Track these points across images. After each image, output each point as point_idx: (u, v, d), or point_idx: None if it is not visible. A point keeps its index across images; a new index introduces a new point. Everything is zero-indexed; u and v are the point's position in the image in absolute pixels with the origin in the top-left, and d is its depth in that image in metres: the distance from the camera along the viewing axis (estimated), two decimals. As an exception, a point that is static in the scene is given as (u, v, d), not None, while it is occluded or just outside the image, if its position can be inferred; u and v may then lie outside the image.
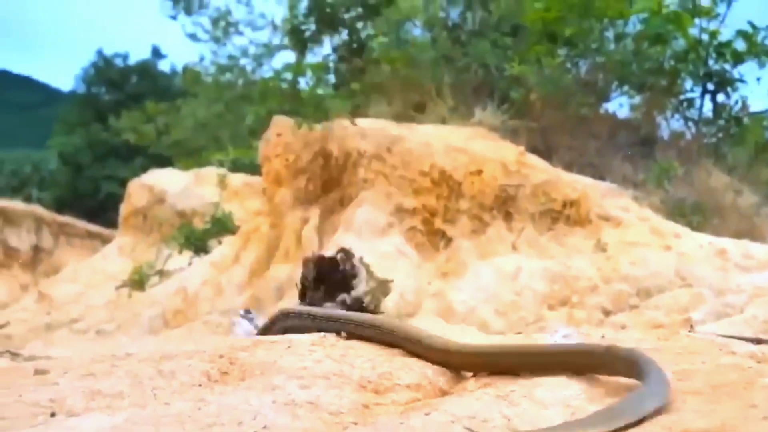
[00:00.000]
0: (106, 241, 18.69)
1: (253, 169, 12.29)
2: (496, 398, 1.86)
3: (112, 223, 19.77)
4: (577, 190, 8.38)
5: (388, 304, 6.76)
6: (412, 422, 1.71)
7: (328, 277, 3.75)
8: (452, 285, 7.51)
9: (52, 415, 1.86)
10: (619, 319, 7.17)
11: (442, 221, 7.96)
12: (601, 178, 10.17)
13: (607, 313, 7.33)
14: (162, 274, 11.52)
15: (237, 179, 14.03)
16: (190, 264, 11.32)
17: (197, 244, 11.51)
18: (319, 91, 10.09)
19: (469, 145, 8.58)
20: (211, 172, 14.56)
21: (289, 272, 7.79)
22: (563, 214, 8.17)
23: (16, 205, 20.24)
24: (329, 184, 8.57)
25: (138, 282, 11.02)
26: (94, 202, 26.79)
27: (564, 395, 1.86)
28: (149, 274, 11.28)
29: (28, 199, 25.03)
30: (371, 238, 7.59)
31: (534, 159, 8.89)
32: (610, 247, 7.87)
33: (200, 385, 2.11)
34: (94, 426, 1.76)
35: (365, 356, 2.31)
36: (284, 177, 8.88)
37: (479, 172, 8.21)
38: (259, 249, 9.03)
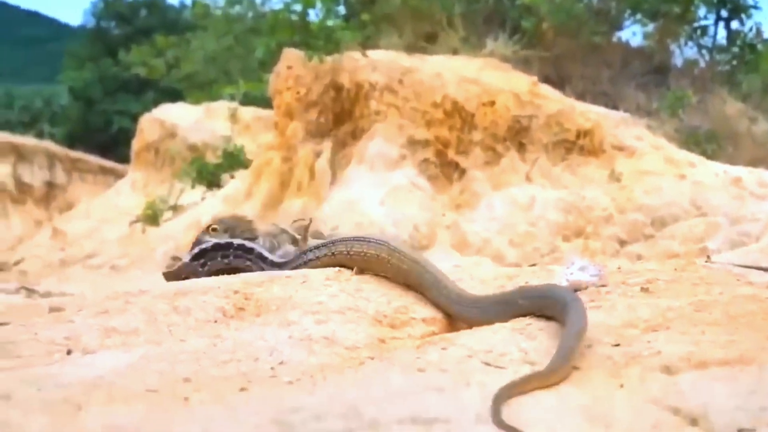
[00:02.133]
0: (118, 176, 18.68)
1: (264, 102, 12.23)
2: (512, 332, 1.85)
3: (124, 158, 19.77)
4: (590, 119, 8.33)
5: (404, 236, 6.76)
6: (429, 357, 1.70)
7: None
8: (466, 216, 7.49)
9: (68, 352, 1.86)
10: (635, 249, 7.17)
11: (455, 153, 7.92)
12: (615, 107, 10.11)
13: (622, 243, 7.32)
14: (175, 209, 11.52)
15: (248, 113, 13.98)
16: (202, 199, 11.33)
17: (209, 178, 11.50)
18: (329, 23, 9.99)
19: (481, 75, 8.52)
20: (222, 106, 14.52)
21: (302, 206, 7.79)
22: (577, 145, 8.13)
23: (28, 140, 20.23)
24: (341, 116, 8.52)
25: (151, 217, 11.02)
26: (105, 137, 26.76)
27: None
28: (162, 209, 11.28)
29: (39, 135, 25.01)
30: (384, 170, 7.56)
31: (547, 89, 8.83)
32: (625, 176, 7.83)
33: (215, 321, 2.10)
34: (110, 363, 1.75)
35: (380, 291, 2.30)
36: (296, 110, 8.83)
37: (492, 103, 8.16)
38: (271, 183, 9.01)
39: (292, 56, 9.03)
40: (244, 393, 1.52)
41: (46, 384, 1.60)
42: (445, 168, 7.89)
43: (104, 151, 23.01)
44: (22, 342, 1.91)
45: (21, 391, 1.54)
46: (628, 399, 1.39)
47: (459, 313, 2.18)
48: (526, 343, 1.77)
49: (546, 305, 1.92)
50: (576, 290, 2.20)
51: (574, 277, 2.26)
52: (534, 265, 6.49)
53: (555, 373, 1.50)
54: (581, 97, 9.77)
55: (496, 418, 1.29)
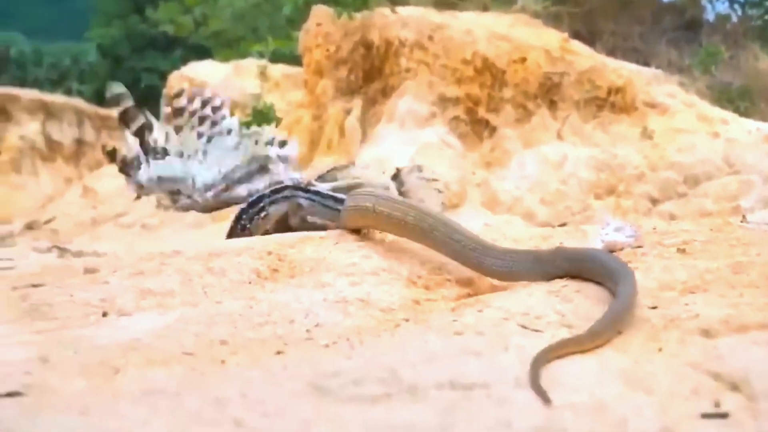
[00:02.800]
0: (147, 133, 18.66)
1: (293, 60, 12.21)
2: (548, 294, 1.83)
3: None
4: (622, 76, 8.27)
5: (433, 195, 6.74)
6: (466, 319, 1.69)
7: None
8: (497, 174, 7.48)
9: (104, 314, 1.86)
10: (667, 208, 7.14)
11: (485, 110, 7.89)
12: (646, 63, 10.03)
13: (654, 201, 7.29)
14: (205, 167, 11.48)
15: (277, 70, 13.94)
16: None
17: (239, 136, 11.47)
18: (358, -21, 9.94)
19: (511, 32, 8.46)
20: (250, 64, 14.47)
21: (332, 163, 7.80)
22: (608, 102, 8.08)
23: (57, 98, 20.25)
24: (371, 73, 8.50)
25: (181, 175, 11.00)
26: (134, 94, 26.56)
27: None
28: (192, 167, 11.26)
29: (68, 92, 25.06)
30: (414, 128, 7.55)
31: (578, 45, 8.77)
32: (657, 134, 7.79)
33: (250, 283, 2.10)
34: (146, 325, 1.76)
35: (413, 252, 2.29)
36: (325, 67, 8.81)
37: (523, 59, 8.11)
38: (301, 141, 9.01)
39: (321, 13, 9.00)
40: (280, 356, 1.52)
41: (82, 346, 1.60)
42: (475, 126, 7.86)
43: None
44: (58, 304, 1.91)
45: (58, 353, 1.55)
46: (667, 363, 1.38)
47: (482, 264, 2.11)
48: (562, 305, 1.75)
49: (587, 269, 1.90)
50: (611, 251, 2.18)
51: (610, 237, 2.23)
52: (564, 224, 6.48)
53: (596, 337, 1.48)
54: (612, 53, 9.69)
55: (534, 383, 1.28)
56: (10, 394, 1.28)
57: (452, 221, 2.21)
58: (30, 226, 11.19)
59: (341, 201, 2.65)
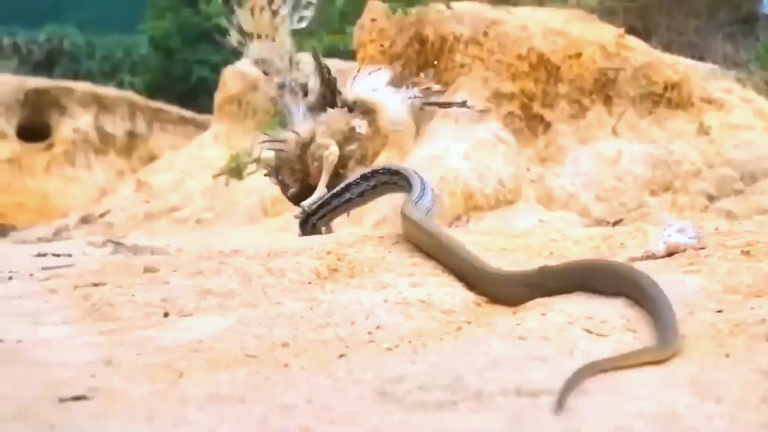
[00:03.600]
0: (198, 126, 18.75)
1: (347, 55, 12.20)
2: (610, 297, 1.81)
3: (203, 108, 19.83)
4: (678, 72, 8.18)
5: (487, 191, 6.71)
6: (529, 323, 1.67)
7: None
8: (551, 171, 7.43)
9: (165, 315, 1.87)
10: (724, 205, 7.06)
11: (540, 106, 7.83)
12: (701, 58, 9.94)
13: (711, 198, 7.21)
14: (259, 161, 11.54)
15: (330, 65, 13.94)
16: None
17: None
18: (412, -26, 9.92)
19: (567, 27, 8.40)
20: (304, 58, 14.50)
21: (386, 159, 7.78)
22: (664, 97, 8.00)
23: (109, 91, 20.40)
24: (425, 68, 8.47)
25: (235, 170, 11.05)
26: (185, 87, 26.85)
27: (682, 292, 1.80)
28: (246, 162, 11.31)
29: (120, 85, 25.23)
30: (468, 123, 7.51)
31: (633, 40, 8.69)
32: (714, 130, 7.70)
33: (310, 283, 2.10)
34: (207, 327, 1.76)
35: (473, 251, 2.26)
36: (379, 63, 8.79)
37: (578, 55, 8.05)
38: (354, 136, 9.00)
39: (375, 8, 8.98)
40: (343, 359, 1.51)
41: (145, 348, 1.61)
42: (530, 121, 7.81)
43: (184, 101, 23.10)
44: (119, 304, 1.92)
45: (121, 355, 1.56)
46: (735, 370, 1.35)
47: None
48: (626, 309, 1.74)
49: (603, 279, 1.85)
50: (673, 253, 2.16)
51: (672, 239, 2.20)
52: (620, 220, 6.43)
53: (666, 350, 1.45)
54: (667, 48, 9.60)
55: (567, 388, 1.26)
56: (76, 398, 1.28)
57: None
58: (85, 220, 11.28)
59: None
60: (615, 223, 6.12)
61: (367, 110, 3.47)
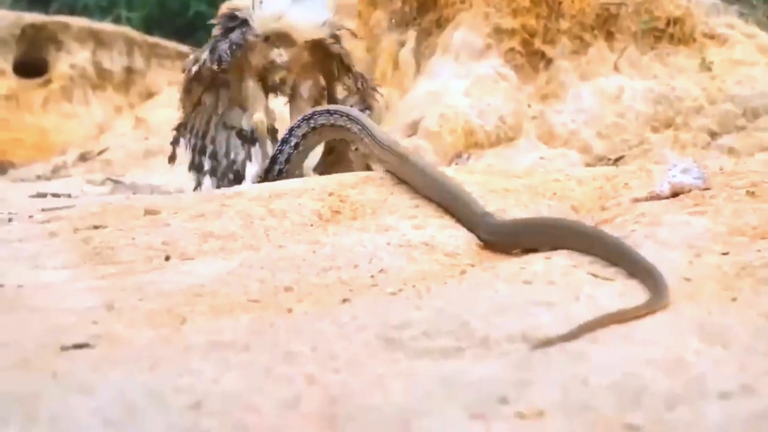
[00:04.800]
0: (197, 61, 18.66)
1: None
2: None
3: (201, 43, 19.69)
4: (680, 7, 8.11)
5: (488, 128, 6.68)
6: (534, 267, 1.66)
7: None
8: (553, 107, 7.38)
9: (167, 258, 1.86)
10: (726, 142, 7.03)
11: (541, 42, 7.76)
12: (704, -7, 9.86)
13: (713, 135, 7.17)
14: (256, 96, 11.45)
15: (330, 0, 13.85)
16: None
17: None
18: None
19: (568, -39, 8.33)
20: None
21: (386, 96, 7.74)
22: (666, 33, 7.93)
23: (106, 26, 20.23)
24: (425, 5, 8.37)
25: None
26: (182, 21, 26.68)
27: (687, 234, 1.79)
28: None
29: (117, 20, 25.06)
30: (469, 60, 7.45)
31: (635, -26, 8.62)
32: (716, 66, 7.64)
33: (312, 225, 2.08)
34: (209, 270, 1.75)
35: (476, 192, 2.24)
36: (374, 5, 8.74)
37: (579, -11, 8.00)
38: (354, 72, 8.94)
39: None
40: (347, 304, 1.50)
41: (147, 293, 1.59)
42: (531, 58, 7.74)
43: (181, 35, 22.91)
44: (120, 247, 1.91)
45: (123, 300, 1.54)
46: (742, 314, 1.33)
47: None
48: (631, 253, 1.72)
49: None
50: (678, 194, 2.13)
51: (677, 179, 2.17)
52: (621, 157, 6.40)
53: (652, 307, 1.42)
54: (669, -18, 9.52)
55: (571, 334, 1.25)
56: (78, 346, 1.27)
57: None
58: (83, 157, 11.24)
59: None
60: (616, 161, 6.10)
61: (281, 36, 3.38)
